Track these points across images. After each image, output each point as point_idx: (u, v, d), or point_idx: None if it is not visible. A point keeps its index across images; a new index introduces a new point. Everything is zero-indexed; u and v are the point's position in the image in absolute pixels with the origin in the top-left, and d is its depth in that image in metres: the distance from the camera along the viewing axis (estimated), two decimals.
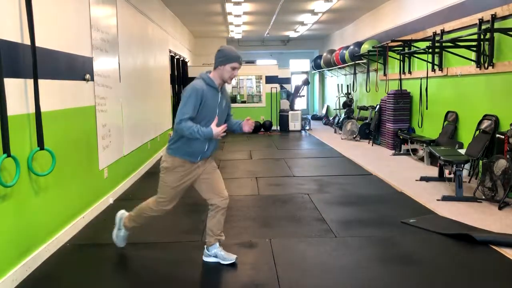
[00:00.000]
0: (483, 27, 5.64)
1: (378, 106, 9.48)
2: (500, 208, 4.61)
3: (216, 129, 2.96)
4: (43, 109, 3.35)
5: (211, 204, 3.28)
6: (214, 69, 3.10)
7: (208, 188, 3.26)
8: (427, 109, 7.12)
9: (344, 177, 6.35)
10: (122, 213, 3.57)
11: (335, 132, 12.31)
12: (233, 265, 3.29)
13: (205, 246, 3.40)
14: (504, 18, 5.35)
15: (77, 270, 3.34)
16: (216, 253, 3.33)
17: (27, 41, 3.18)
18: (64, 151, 3.88)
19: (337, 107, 13.54)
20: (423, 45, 7.30)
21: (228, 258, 3.31)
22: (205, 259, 3.39)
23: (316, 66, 16.02)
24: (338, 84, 13.92)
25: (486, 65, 5.62)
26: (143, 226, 3.51)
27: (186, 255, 3.55)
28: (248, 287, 2.99)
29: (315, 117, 16.85)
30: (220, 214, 3.28)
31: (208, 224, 3.31)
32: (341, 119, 12.03)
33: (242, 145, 10.05)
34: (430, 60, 6.98)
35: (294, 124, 12.97)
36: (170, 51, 9.88)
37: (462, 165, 5.10)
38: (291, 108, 13.24)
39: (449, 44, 6.13)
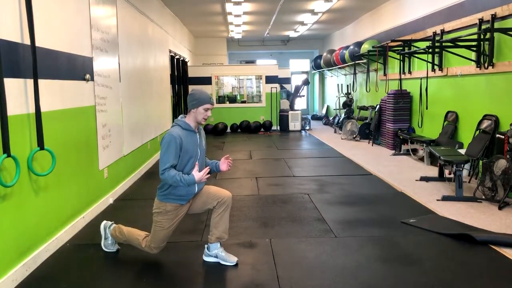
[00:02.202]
0: (483, 27, 5.64)
1: (378, 106, 9.48)
2: (500, 208, 4.61)
3: (198, 175, 3.06)
4: (43, 109, 3.35)
5: (216, 204, 3.29)
6: (188, 113, 3.23)
7: (208, 199, 3.30)
8: (427, 109, 7.12)
9: (344, 177, 6.35)
10: (105, 223, 3.64)
11: (335, 132, 12.31)
12: (233, 265, 3.29)
13: (205, 246, 3.40)
14: (504, 18, 5.35)
15: (77, 270, 3.34)
16: (216, 254, 3.33)
17: (27, 41, 3.19)
18: (64, 151, 3.88)
19: (337, 107, 13.54)
20: (423, 45, 7.30)
21: (229, 260, 3.31)
22: (205, 258, 3.39)
23: (316, 66, 16.02)
24: (338, 84, 13.92)
25: (486, 65, 5.62)
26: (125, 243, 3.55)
27: (186, 255, 3.55)
28: (248, 287, 2.99)
29: (315, 117, 16.86)
30: (222, 210, 3.27)
31: (211, 220, 3.32)
32: (341, 119, 12.03)
33: (242, 145, 10.05)
34: (430, 60, 6.98)
35: (294, 124, 12.97)
36: (170, 51, 9.88)
37: (462, 165, 5.10)
38: (291, 108, 13.24)
39: (449, 44, 6.13)
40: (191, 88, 12.40)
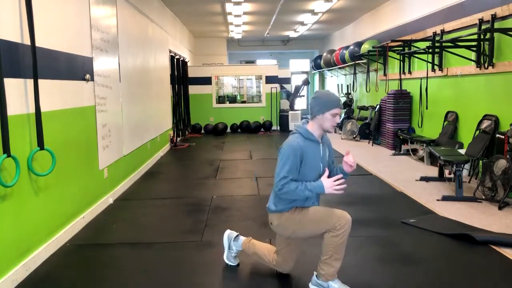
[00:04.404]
0: (483, 27, 5.64)
1: (378, 106, 9.48)
2: (500, 208, 4.61)
3: (328, 181, 2.66)
4: (43, 109, 3.35)
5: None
6: (311, 119, 2.81)
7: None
8: (427, 109, 7.12)
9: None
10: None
11: (335, 132, 12.31)
12: (233, 266, 3.29)
13: (236, 234, 3.27)
14: (504, 18, 5.35)
15: (77, 270, 3.34)
16: (231, 246, 3.26)
17: (27, 41, 3.18)
18: (64, 151, 3.88)
19: None
20: (423, 45, 7.30)
21: (232, 261, 3.30)
22: (225, 238, 3.29)
23: (316, 66, 16.02)
24: (338, 84, 13.92)
25: (486, 65, 5.62)
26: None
27: (186, 255, 3.55)
28: (248, 287, 2.99)
29: None
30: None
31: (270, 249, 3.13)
32: (341, 119, 12.04)
33: (242, 145, 10.05)
34: (430, 60, 6.98)
35: (294, 124, 12.94)
36: (170, 51, 9.88)
37: (462, 165, 5.09)
38: (291, 108, 13.24)
39: (449, 44, 6.13)
40: (191, 88, 12.48)
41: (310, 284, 2.88)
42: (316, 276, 2.85)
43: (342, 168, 2.89)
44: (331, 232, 2.73)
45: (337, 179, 2.69)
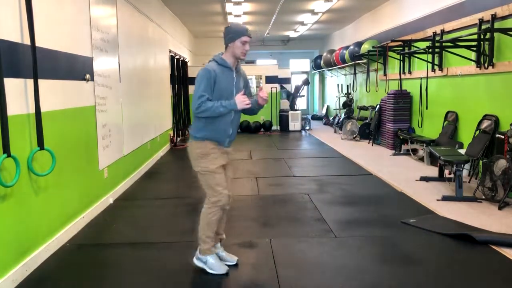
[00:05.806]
0: (483, 27, 5.64)
1: (378, 106, 9.48)
2: (500, 208, 4.60)
3: (239, 97, 2.94)
4: (43, 109, 3.35)
5: None
6: (225, 49, 3.08)
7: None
8: (427, 109, 7.12)
9: (344, 177, 6.35)
10: (196, 255, 3.25)
11: (335, 132, 12.32)
12: (233, 265, 3.29)
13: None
14: (504, 18, 5.35)
15: (77, 270, 3.34)
16: (217, 253, 3.29)
17: (27, 41, 3.18)
18: (64, 151, 3.87)
19: (337, 107, 13.54)
20: (423, 45, 7.30)
21: (229, 259, 3.30)
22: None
23: (316, 66, 16.02)
24: (338, 84, 13.92)
25: (486, 65, 5.62)
26: (215, 233, 3.18)
27: (186, 255, 3.55)
28: (248, 287, 2.99)
29: (315, 117, 16.85)
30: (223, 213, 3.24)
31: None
32: (341, 119, 12.04)
33: (242, 145, 10.05)
34: (430, 60, 6.98)
35: (294, 124, 12.97)
36: (170, 51, 9.88)
37: (462, 165, 5.09)
38: (291, 108, 13.24)
39: (449, 44, 6.14)
40: (191, 88, 12.48)
41: (194, 259, 3.20)
42: (199, 251, 3.18)
43: (257, 101, 3.14)
44: (206, 204, 3.10)
45: (245, 98, 2.98)
